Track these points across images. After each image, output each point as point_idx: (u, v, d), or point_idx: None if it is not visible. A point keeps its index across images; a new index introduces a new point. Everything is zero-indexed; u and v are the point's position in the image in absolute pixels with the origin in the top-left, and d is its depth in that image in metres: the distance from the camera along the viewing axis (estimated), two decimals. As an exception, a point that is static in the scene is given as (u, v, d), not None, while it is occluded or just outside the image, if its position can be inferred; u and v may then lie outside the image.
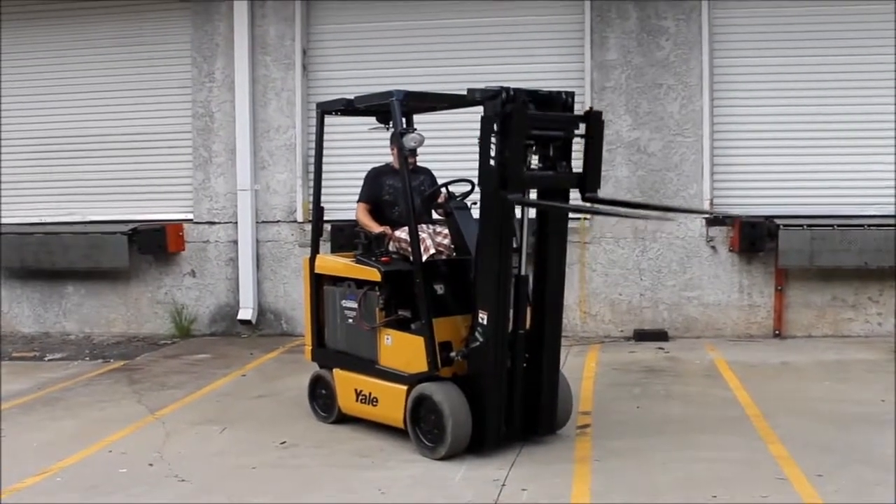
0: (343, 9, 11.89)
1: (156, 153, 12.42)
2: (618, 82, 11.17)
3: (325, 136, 7.90)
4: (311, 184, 8.11)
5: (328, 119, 7.83)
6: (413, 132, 6.89)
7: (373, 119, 7.68)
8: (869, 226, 10.56)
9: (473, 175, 6.57)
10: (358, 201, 7.48)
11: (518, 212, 6.45)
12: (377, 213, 7.40)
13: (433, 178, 7.56)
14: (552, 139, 6.39)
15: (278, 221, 11.98)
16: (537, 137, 6.28)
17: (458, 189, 7.12)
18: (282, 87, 11.92)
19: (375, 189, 7.44)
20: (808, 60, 11.00)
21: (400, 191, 7.11)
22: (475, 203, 6.61)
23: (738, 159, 11.18)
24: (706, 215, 10.79)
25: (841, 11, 10.93)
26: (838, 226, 10.58)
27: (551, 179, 6.43)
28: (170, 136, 12.38)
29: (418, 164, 7.50)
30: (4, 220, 12.64)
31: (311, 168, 8.87)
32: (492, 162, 6.07)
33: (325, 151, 7.91)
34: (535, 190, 6.55)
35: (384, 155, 7.65)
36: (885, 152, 10.86)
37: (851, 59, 10.91)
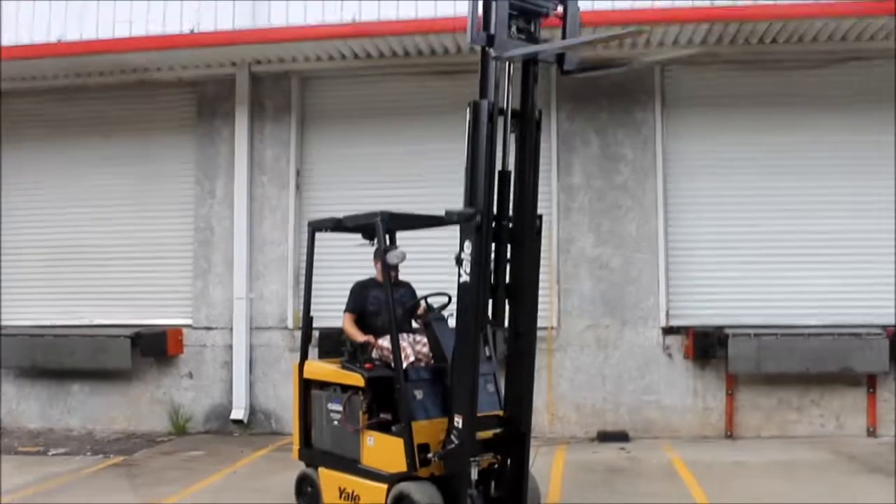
0: (334, 135, 12.07)
1: (159, 263, 12.40)
2: (582, 203, 11.32)
3: (316, 251, 7.93)
4: (302, 294, 8.09)
5: (318, 234, 7.86)
6: (395, 249, 6.95)
7: (359, 236, 7.72)
8: (810, 335, 10.56)
9: (450, 289, 6.58)
10: (344, 311, 7.47)
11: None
12: (362, 322, 7.38)
13: (413, 291, 7.56)
14: (534, 13, 6.43)
15: (271, 328, 11.90)
16: (520, 9, 6.32)
17: (436, 301, 7.14)
18: (277, 205, 11.99)
19: (361, 300, 7.44)
20: (750, 184, 11.21)
21: (383, 302, 7.12)
22: (452, 314, 6.61)
23: (690, 273, 11.25)
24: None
25: (778, 141, 11.18)
26: (782, 335, 10.58)
27: (532, 54, 6.35)
28: (173, 247, 12.38)
29: (400, 277, 7.51)
30: (17, 323, 12.51)
31: (303, 279, 8.85)
32: (479, 28, 6.12)
33: (314, 264, 7.93)
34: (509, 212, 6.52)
35: (369, 268, 7.66)
36: (823, 268, 11.00)
37: (789, 184, 11.13)
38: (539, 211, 6.58)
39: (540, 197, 6.63)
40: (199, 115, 12.30)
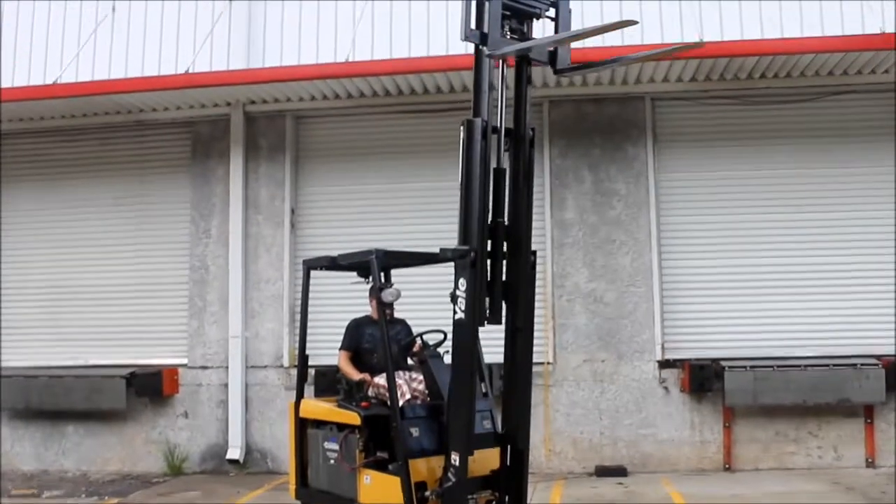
0: (328, 173, 12.10)
1: (155, 302, 12.35)
2: (575, 238, 11.35)
3: (311, 289, 7.92)
4: (298, 332, 8.07)
5: (313, 273, 7.86)
6: (390, 287, 6.95)
7: (354, 274, 7.72)
8: (805, 366, 10.55)
9: (445, 325, 6.57)
10: (340, 349, 7.46)
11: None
12: (358, 360, 7.36)
13: (409, 329, 7.56)
14: (526, 14, 6.45)
15: (266, 366, 11.85)
16: (513, 9, 6.34)
17: (431, 339, 7.13)
18: (272, 243, 11.98)
19: (356, 338, 7.43)
20: (744, 217, 11.25)
21: (379, 340, 7.11)
22: (447, 351, 6.59)
23: (685, 307, 11.25)
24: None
25: (770, 174, 11.24)
26: (778, 367, 10.57)
27: (526, 50, 6.35)
28: (168, 286, 12.34)
29: (395, 315, 7.50)
30: (12, 364, 12.43)
31: (298, 317, 8.83)
32: (473, 23, 6.13)
33: (310, 302, 7.91)
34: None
35: (364, 306, 7.65)
36: (817, 300, 11.01)
37: (782, 216, 11.19)
38: (533, 247, 6.57)
39: (534, 233, 6.62)
40: (193, 155, 12.33)
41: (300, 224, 12.12)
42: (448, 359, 6.54)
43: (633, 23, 5.33)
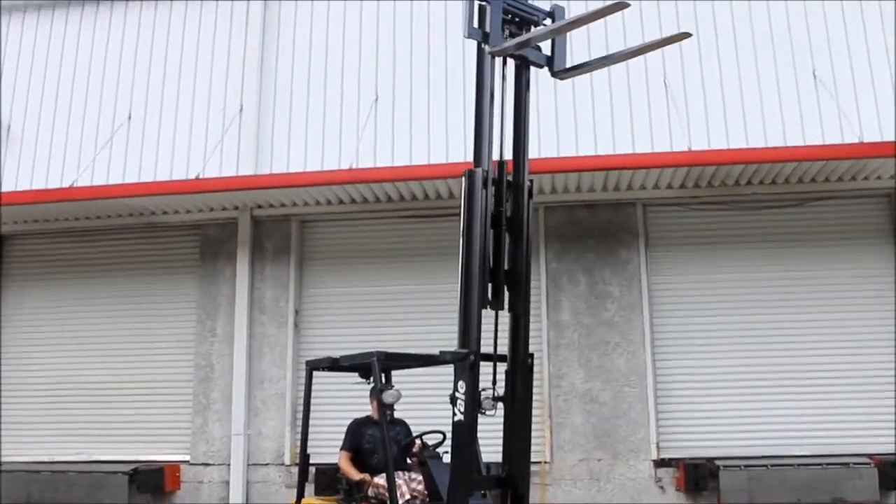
0: (331, 275, 12.28)
1: (159, 399, 12.39)
2: (571, 340, 11.45)
3: (313, 388, 7.97)
4: (299, 429, 8.09)
5: (316, 372, 7.92)
6: (391, 389, 7.00)
7: (356, 374, 7.78)
8: (799, 465, 10.51)
9: (445, 426, 6.63)
10: (341, 449, 7.47)
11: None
12: (358, 460, 7.37)
13: (408, 429, 7.59)
14: (525, 21, 6.56)
15: (268, 464, 11.80)
16: (513, 13, 6.46)
17: (431, 439, 7.16)
18: (275, 343, 12.08)
19: (357, 438, 7.45)
20: (734, 319, 11.39)
21: (379, 440, 7.13)
22: (447, 452, 6.61)
23: (679, 406, 11.28)
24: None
25: (760, 277, 11.44)
26: (772, 465, 10.52)
27: (526, 43, 6.30)
28: (173, 384, 12.39)
29: (395, 414, 7.55)
30: (17, 459, 12.38)
31: (300, 415, 8.87)
32: (475, 23, 6.28)
33: (312, 402, 7.96)
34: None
35: (365, 406, 7.70)
36: (809, 399, 11.07)
37: (772, 318, 11.32)
38: (529, 348, 6.67)
39: (530, 334, 6.71)
40: (201, 257, 12.54)
41: (303, 324, 12.24)
42: (447, 459, 6.56)
43: (625, 5, 5.25)
